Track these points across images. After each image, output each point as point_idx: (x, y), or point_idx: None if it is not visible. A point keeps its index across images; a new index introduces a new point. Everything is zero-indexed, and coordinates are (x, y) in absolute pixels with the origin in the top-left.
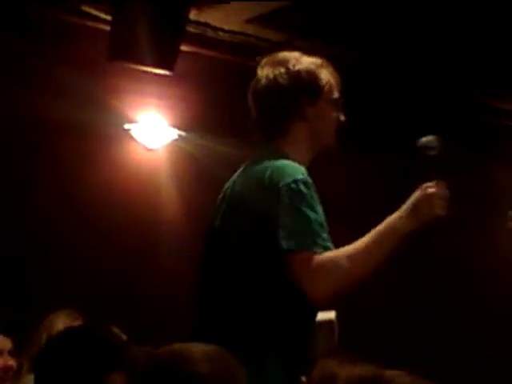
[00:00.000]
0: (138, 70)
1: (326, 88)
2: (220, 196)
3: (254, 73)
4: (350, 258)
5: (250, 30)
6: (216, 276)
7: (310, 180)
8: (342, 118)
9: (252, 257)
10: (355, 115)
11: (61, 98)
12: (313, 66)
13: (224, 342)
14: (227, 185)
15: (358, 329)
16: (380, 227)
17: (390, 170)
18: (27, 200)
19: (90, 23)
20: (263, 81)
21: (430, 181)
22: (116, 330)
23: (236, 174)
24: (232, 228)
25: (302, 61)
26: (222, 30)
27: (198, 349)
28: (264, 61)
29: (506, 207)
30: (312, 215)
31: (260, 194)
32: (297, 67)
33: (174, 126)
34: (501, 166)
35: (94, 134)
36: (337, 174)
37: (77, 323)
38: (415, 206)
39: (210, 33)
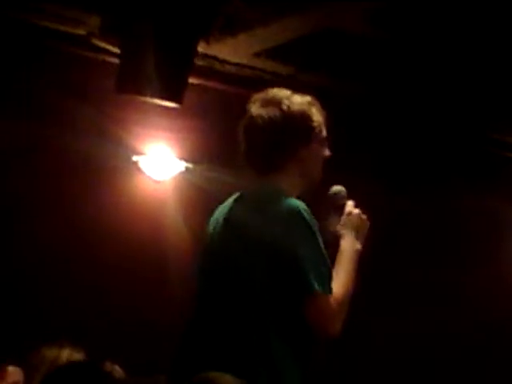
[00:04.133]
0: (146, 103)
1: (317, 129)
2: (211, 228)
3: None
4: (347, 293)
5: (258, 63)
6: (219, 304)
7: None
8: (328, 153)
9: (265, 291)
10: (360, 148)
11: (69, 130)
12: (305, 107)
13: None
14: (216, 217)
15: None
16: (343, 255)
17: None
18: (30, 230)
19: (99, 56)
20: (258, 120)
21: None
22: (112, 366)
23: (229, 206)
24: (245, 259)
25: (294, 101)
26: (230, 62)
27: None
28: (255, 97)
29: None
30: (326, 256)
31: (282, 231)
32: (291, 109)
33: (182, 158)
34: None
35: (101, 166)
36: None
37: (74, 355)
38: (356, 227)
39: (217, 66)
